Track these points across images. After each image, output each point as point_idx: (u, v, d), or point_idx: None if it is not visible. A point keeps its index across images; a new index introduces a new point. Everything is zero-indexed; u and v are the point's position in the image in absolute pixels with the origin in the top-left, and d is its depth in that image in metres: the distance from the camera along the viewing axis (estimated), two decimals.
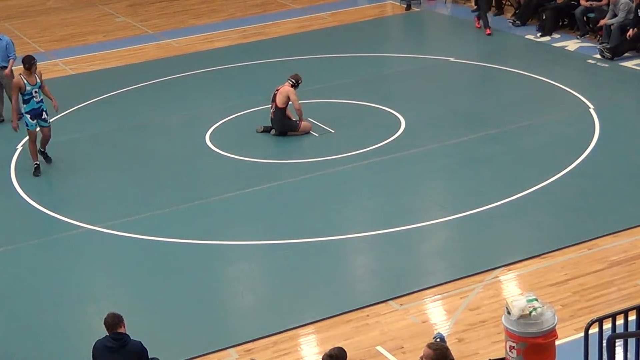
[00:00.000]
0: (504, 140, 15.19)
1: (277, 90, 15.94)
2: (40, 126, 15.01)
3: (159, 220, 13.32)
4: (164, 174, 14.98)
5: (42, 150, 15.30)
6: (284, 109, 15.83)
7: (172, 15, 25.15)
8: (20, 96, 14.91)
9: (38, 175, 14.91)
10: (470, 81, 18.24)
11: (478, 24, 21.40)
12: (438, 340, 8.50)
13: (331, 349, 8.06)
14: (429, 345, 7.92)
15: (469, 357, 9.73)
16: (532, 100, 16.89)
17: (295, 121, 15.96)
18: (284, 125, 15.94)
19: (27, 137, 15.04)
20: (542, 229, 12.38)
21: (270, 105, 16.08)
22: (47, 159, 15.39)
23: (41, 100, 14.96)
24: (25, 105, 14.86)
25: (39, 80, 14.97)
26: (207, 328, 10.72)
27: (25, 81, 14.79)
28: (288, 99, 15.82)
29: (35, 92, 14.88)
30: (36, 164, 14.95)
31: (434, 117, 16.41)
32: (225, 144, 15.78)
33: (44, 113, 15.00)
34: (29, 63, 14.91)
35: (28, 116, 14.84)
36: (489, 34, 20.74)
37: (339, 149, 15.17)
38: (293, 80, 16.02)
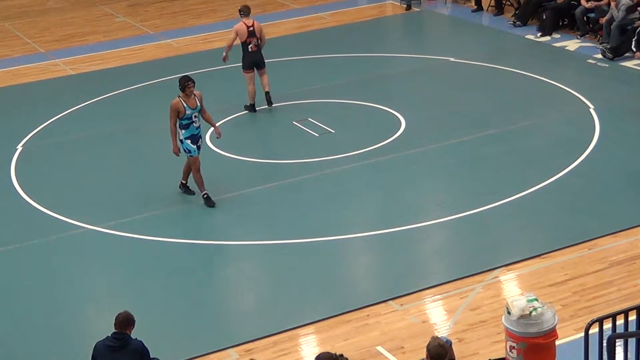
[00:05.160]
0: (504, 140, 15.19)
1: (251, 25, 16.64)
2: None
3: (159, 220, 13.32)
4: (164, 174, 14.97)
5: (184, 182, 14.05)
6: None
7: (172, 15, 25.15)
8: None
9: (212, 206, 13.54)
10: (470, 81, 18.24)
11: None
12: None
13: (324, 355, 7.77)
14: (434, 338, 7.88)
15: (469, 357, 9.74)
16: (532, 100, 16.89)
17: None
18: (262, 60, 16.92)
19: (190, 166, 13.68)
20: (542, 229, 12.39)
21: (248, 41, 16.67)
22: (189, 191, 14.07)
23: (199, 126, 13.58)
24: (183, 131, 13.41)
25: (198, 104, 13.50)
26: (207, 328, 10.72)
27: (185, 104, 13.34)
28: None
29: (195, 116, 13.45)
30: (205, 194, 13.61)
31: (434, 117, 16.42)
32: (225, 144, 15.78)
33: (200, 140, 13.65)
34: (183, 85, 13.40)
35: (189, 141, 13.42)
36: None
37: (339, 149, 15.17)
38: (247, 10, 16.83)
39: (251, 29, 16.62)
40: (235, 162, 15.15)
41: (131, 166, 15.42)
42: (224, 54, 16.84)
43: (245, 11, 16.75)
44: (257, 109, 17.15)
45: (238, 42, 16.81)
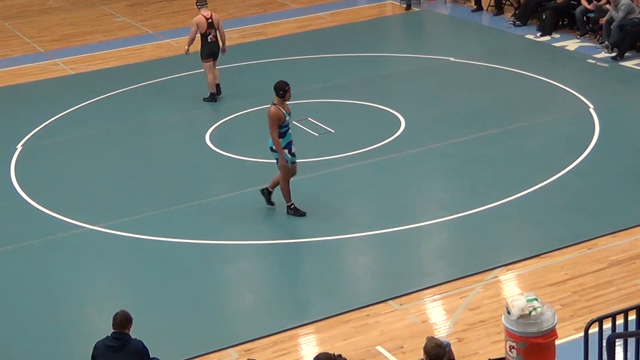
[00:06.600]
0: (504, 140, 15.19)
1: (209, 17, 17.28)
2: (292, 162, 12.98)
3: (159, 220, 13.32)
4: (163, 174, 14.98)
5: (270, 190, 13.26)
6: None
7: (172, 15, 25.16)
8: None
9: (302, 215, 13.01)
10: (470, 81, 18.24)
11: None
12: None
13: (323, 355, 7.70)
14: (430, 339, 7.82)
15: (469, 357, 9.74)
16: (532, 100, 16.89)
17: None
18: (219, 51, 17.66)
19: (280, 175, 12.93)
20: (542, 229, 12.39)
21: (208, 32, 17.33)
22: (271, 202, 13.37)
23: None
24: (280, 140, 12.56)
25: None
26: (207, 328, 10.72)
27: (283, 111, 12.49)
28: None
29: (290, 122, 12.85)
30: (292, 204, 13.02)
31: (434, 117, 16.41)
32: (225, 144, 15.79)
33: (293, 146, 12.96)
34: (284, 90, 12.47)
35: (286, 150, 12.66)
36: None
37: (339, 149, 15.17)
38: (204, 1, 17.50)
39: (210, 20, 17.32)
40: (235, 162, 15.14)
41: (131, 166, 15.41)
42: (187, 47, 17.60)
43: (202, 3, 17.44)
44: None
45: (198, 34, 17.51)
